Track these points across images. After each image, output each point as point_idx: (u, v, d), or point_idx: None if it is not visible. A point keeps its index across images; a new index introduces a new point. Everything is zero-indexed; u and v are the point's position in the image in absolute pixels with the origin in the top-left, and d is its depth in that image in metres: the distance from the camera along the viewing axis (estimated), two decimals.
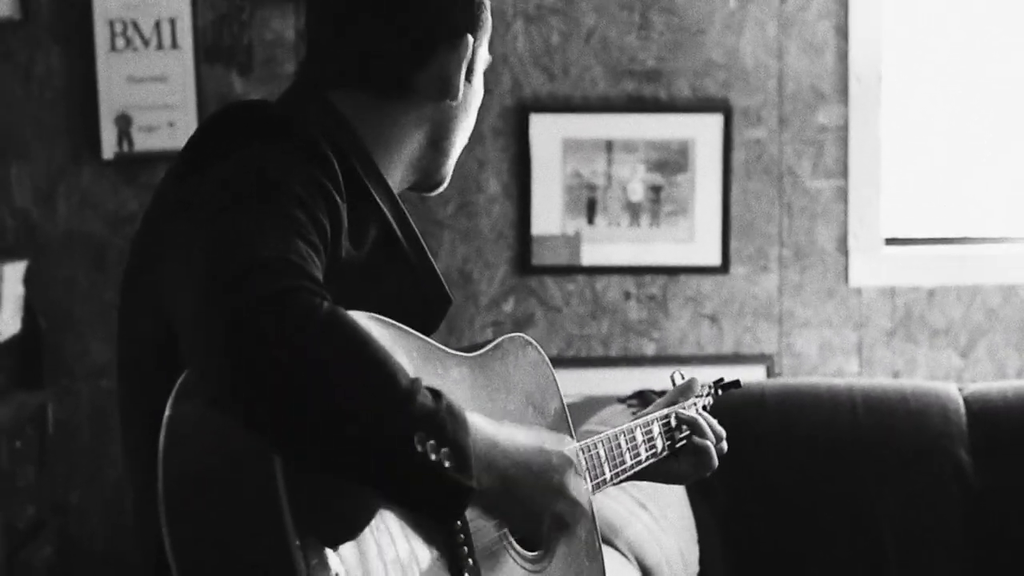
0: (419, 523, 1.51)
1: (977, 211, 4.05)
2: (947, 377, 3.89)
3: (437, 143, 1.78)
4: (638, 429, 1.97)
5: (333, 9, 1.74)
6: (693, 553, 2.92)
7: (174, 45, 3.76)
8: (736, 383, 2.26)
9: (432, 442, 1.39)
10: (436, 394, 1.43)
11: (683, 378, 2.17)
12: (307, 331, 1.35)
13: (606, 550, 2.60)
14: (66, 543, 3.84)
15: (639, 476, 2.02)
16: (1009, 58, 4.02)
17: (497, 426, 1.53)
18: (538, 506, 1.56)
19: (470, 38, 1.74)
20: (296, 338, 1.34)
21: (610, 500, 2.77)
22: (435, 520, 1.47)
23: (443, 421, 1.41)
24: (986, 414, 3.04)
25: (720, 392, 2.23)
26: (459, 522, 1.59)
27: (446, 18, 1.72)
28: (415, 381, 1.41)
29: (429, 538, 1.54)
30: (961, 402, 3.06)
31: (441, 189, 1.85)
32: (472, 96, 1.80)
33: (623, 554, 2.69)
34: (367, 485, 1.41)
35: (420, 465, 1.38)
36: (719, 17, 3.85)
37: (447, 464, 1.40)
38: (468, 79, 1.77)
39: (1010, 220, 4.03)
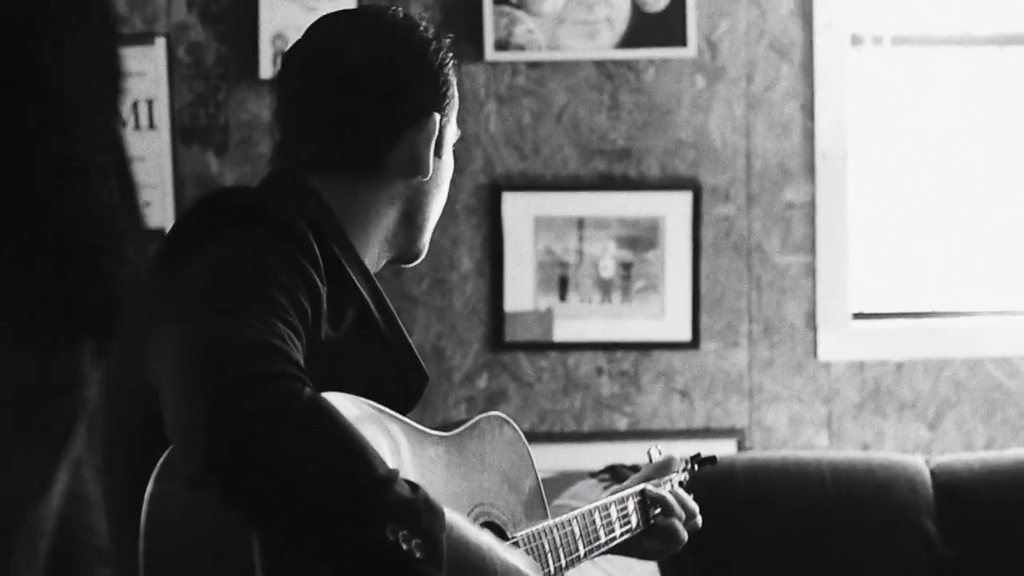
0: None
1: (943, 285, 4.11)
2: (916, 449, 3.93)
3: (411, 219, 1.82)
4: (613, 506, 2.00)
5: (301, 94, 1.78)
6: None
7: (151, 126, 3.81)
8: (712, 459, 2.29)
9: (405, 532, 1.42)
10: (414, 486, 1.46)
11: (660, 454, 2.19)
12: (288, 415, 1.39)
13: None
14: None
15: (612, 551, 2.04)
16: (972, 135, 4.09)
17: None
18: None
19: (437, 116, 1.78)
20: (277, 422, 1.38)
21: (582, 575, 2.79)
22: None
23: (418, 512, 1.44)
24: (952, 486, 3.09)
25: (697, 468, 2.25)
26: None
27: (413, 99, 1.77)
28: (392, 471, 1.44)
29: None
30: (928, 474, 3.10)
31: (419, 261, 1.89)
32: (443, 171, 1.84)
33: None
34: (337, 569, 1.44)
35: (391, 554, 1.41)
36: (687, 97, 3.92)
37: (418, 555, 1.42)
38: (438, 154, 1.81)
39: (976, 294, 4.09)
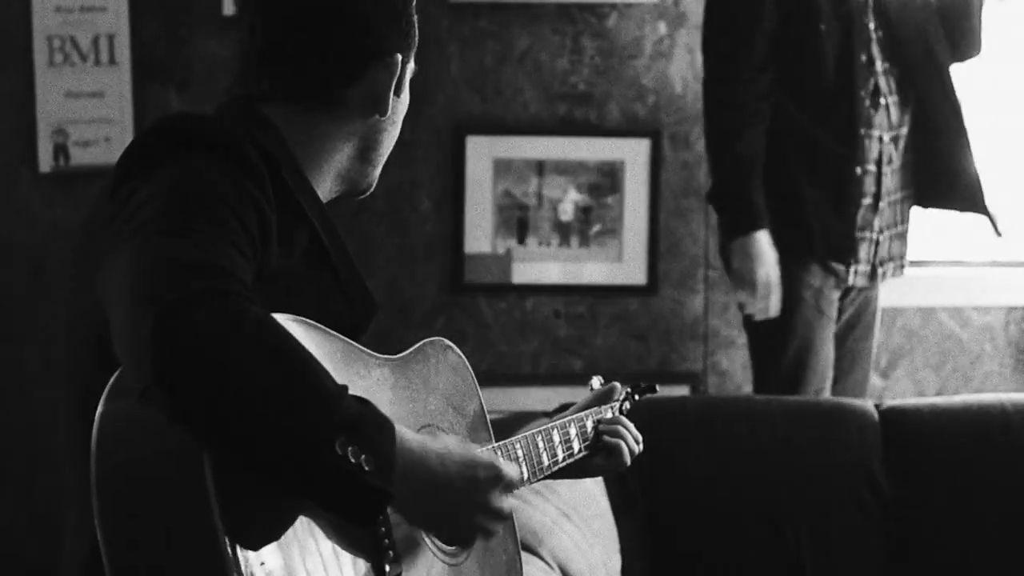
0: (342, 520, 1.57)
1: None
2: (868, 397, 3.98)
3: (365, 155, 1.84)
4: (555, 431, 2.03)
5: (267, 25, 1.79)
6: (616, 563, 2.97)
7: (112, 61, 3.79)
8: (652, 388, 2.32)
9: (354, 447, 1.44)
10: (362, 401, 1.48)
11: (602, 383, 2.22)
12: (236, 332, 1.40)
13: (530, 559, 2.65)
14: None
15: (557, 476, 2.08)
16: None
17: (425, 438, 1.58)
18: (458, 518, 1.61)
19: (399, 57, 1.80)
20: (224, 338, 1.39)
21: (534, 510, 2.82)
22: (352, 522, 1.51)
23: (366, 427, 1.46)
24: (901, 429, 3.12)
25: (638, 397, 2.28)
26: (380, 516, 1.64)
27: (377, 38, 1.78)
28: (341, 387, 1.46)
29: (353, 532, 1.58)
30: (877, 417, 3.14)
31: (368, 194, 1.91)
32: (400, 109, 1.86)
33: (547, 563, 2.74)
34: (287, 485, 1.46)
35: (339, 468, 1.43)
36: (649, 43, 3.93)
37: (367, 468, 1.44)
38: (397, 93, 1.83)
39: (930, 245, 4.13)
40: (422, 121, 3.80)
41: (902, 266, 3.61)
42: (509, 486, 1.65)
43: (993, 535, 3.06)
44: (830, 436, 3.12)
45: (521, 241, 3.94)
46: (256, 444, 1.42)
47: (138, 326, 1.40)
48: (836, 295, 3.49)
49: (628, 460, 2.11)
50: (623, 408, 2.20)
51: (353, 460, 1.43)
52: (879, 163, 3.42)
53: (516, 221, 3.93)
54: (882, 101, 3.41)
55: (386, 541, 1.64)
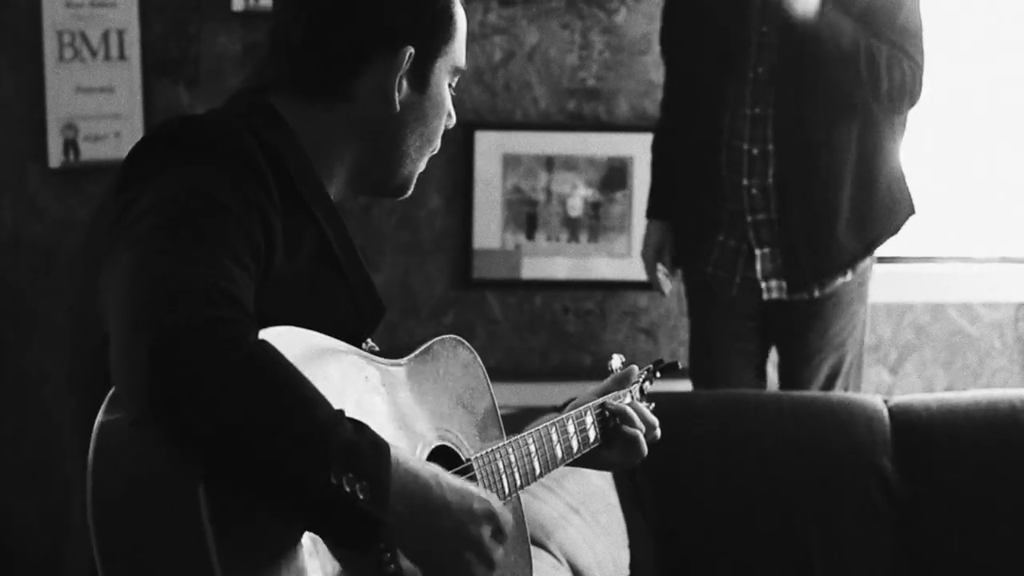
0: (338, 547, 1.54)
1: (908, 231, 4.13)
2: (877, 393, 3.97)
3: (384, 152, 1.78)
4: (571, 421, 2.01)
5: (277, 16, 1.77)
6: (624, 558, 2.97)
7: (122, 56, 3.80)
8: (675, 364, 2.29)
9: (350, 474, 1.41)
10: (359, 427, 1.45)
11: (623, 363, 2.19)
12: (231, 361, 1.38)
13: (539, 552, 2.66)
14: (5, 553, 3.84)
15: (571, 463, 2.06)
16: (947, 79, 4.11)
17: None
18: (449, 548, 1.55)
19: (409, 49, 1.73)
20: (220, 367, 1.37)
21: (542, 504, 2.82)
22: (347, 549, 1.49)
23: (362, 454, 1.43)
24: (910, 425, 3.11)
25: (659, 375, 2.26)
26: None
27: (384, 28, 1.73)
28: (337, 413, 1.44)
29: (356, 559, 1.55)
30: (886, 413, 3.13)
31: (406, 195, 1.86)
32: (426, 105, 1.78)
33: (555, 557, 2.74)
34: (280, 512, 1.45)
35: (334, 496, 1.41)
36: (658, 38, 3.92)
37: (362, 496, 1.42)
38: (419, 88, 1.76)
39: (939, 240, 4.12)
40: None
41: (791, 287, 3.42)
42: (500, 532, 1.59)
43: (1002, 530, 3.05)
44: (839, 431, 3.11)
45: (530, 237, 3.94)
46: (249, 475, 1.40)
47: (132, 352, 1.37)
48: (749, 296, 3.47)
49: (645, 450, 2.07)
50: (643, 388, 2.18)
51: (348, 488, 1.41)
52: (741, 174, 3.35)
53: (525, 216, 3.93)
54: (746, 112, 3.33)
55: (388, 554, 1.61)
